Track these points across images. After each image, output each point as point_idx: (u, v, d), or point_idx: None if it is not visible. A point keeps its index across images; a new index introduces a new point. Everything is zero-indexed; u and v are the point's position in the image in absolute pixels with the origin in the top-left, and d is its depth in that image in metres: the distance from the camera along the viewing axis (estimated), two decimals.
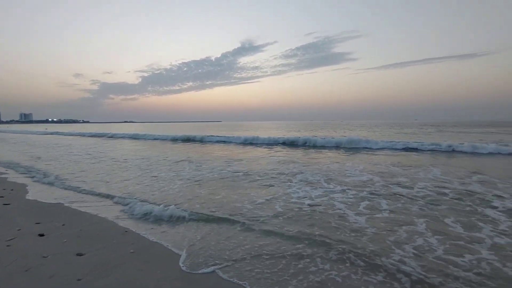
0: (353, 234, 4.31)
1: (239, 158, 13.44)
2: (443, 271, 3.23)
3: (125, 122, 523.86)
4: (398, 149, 15.71)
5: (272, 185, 7.52)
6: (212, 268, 3.38)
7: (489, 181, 7.62)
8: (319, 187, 7.25)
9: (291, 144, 19.60)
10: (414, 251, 3.71)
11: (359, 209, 5.51)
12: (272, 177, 8.52)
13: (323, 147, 17.86)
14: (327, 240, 4.09)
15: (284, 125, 75.46)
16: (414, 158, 12.43)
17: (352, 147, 17.02)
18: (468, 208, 5.44)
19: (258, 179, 8.29)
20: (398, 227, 4.55)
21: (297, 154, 14.80)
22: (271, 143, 20.47)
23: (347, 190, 6.90)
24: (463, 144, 14.78)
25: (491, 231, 4.35)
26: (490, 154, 13.27)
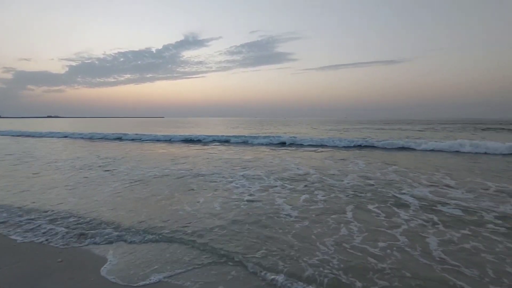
0: (280, 231, 4.44)
1: (181, 156, 12.87)
2: (363, 264, 3.53)
3: (49, 117, 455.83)
4: (328, 145, 16.85)
5: (215, 181, 7.37)
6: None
7: (402, 171, 8.76)
8: (261, 182, 7.36)
9: (235, 141, 19.53)
10: (335, 247, 3.88)
11: (296, 202, 5.74)
12: (213, 174, 8.35)
13: (269, 144, 18.25)
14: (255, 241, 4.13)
15: (229, 122, 75.09)
16: (342, 153, 13.58)
17: (293, 143, 17.82)
18: (388, 195, 6.14)
19: (200, 177, 8.03)
20: (328, 217, 4.88)
21: (240, 151, 14.84)
22: (215, 141, 20.09)
23: (285, 184, 7.16)
24: (380, 140, 16.65)
25: (406, 215, 4.96)
26: (400, 148, 15.17)
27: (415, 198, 5.88)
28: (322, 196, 6.11)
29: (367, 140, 17.16)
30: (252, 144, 18.07)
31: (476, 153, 12.89)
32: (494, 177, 7.91)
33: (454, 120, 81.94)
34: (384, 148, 15.20)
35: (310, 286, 2.92)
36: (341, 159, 11.41)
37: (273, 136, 19.73)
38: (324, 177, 7.94)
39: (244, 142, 19.04)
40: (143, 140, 21.45)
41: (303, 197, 6.08)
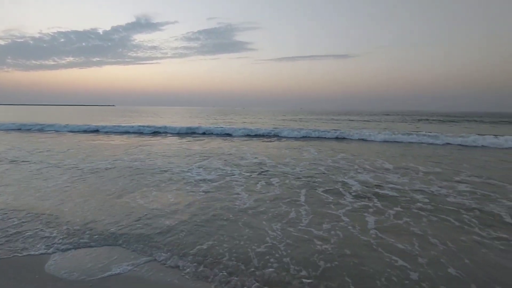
0: (233, 218, 4.53)
1: (136, 147, 12.15)
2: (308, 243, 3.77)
3: None
4: (283, 136, 17.30)
5: (168, 171, 7.13)
6: None
7: (349, 159, 9.46)
8: (217, 171, 7.32)
9: (193, 132, 18.87)
10: (284, 231, 4.15)
11: (254, 188, 5.86)
12: (169, 164, 8.07)
13: (226, 134, 18.04)
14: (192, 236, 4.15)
15: (187, 112, 72.39)
16: (296, 143, 14.15)
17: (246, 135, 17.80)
18: (337, 180, 6.59)
19: (156, 169, 7.69)
20: (281, 202, 5.09)
21: (198, 142, 14.51)
22: (173, 132, 19.12)
23: (243, 172, 7.25)
24: (329, 131, 17.67)
25: (350, 197, 5.40)
26: (345, 139, 16.32)
27: (358, 182, 6.41)
28: (277, 183, 6.33)
29: (319, 130, 17.98)
30: (211, 135, 17.77)
31: (409, 142, 14.43)
32: (424, 162, 8.99)
33: (397, 111, 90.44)
34: (336, 138, 16.14)
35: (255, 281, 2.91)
36: (295, 148, 11.89)
37: (231, 127, 19.54)
38: (279, 165, 8.20)
39: (204, 133, 18.59)
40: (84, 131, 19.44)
41: (260, 184, 6.23)
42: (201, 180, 6.54)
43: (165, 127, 19.91)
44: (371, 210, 4.78)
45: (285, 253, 3.40)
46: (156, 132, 19.07)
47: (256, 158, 9.41)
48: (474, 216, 4.54)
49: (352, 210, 4.75)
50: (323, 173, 7.26)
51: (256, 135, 17.42)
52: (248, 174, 7.13)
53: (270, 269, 3.06)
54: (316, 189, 5.86)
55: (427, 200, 5.29)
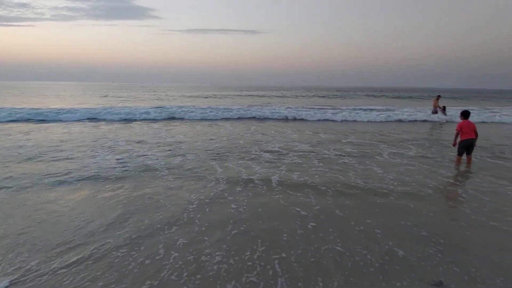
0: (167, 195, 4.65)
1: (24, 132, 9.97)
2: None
3: None
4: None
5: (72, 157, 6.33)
6: None
7: (266, 133, 10.40)
8: (131, 153, 6.95)
9: (92, 116, 14.08)
10: (198, 202, 4.55)
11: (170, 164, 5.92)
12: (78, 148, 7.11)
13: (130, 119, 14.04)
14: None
15: (80, 88, 60.61)
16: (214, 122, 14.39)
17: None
18: (251, 151, 7.29)
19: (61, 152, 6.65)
20: (195, 174, 5.41)
21: (101, 125, 12.93)
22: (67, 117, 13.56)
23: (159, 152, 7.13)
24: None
25: (263, 164, 6.14)
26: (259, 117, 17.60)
27: (269, 152, 7.24)
28: (192, 158, 6.56)
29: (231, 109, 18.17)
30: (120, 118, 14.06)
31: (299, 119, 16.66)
32: (322, 131, 10.74)
33: (304, 87, 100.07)
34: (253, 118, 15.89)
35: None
36: (212, 125, 12.17)
37: (151, 108, 16.43)
38: (196, 142, 8.38)
39: (107, 114, 14.21)
40: None
41: (177, 160, 6.34)
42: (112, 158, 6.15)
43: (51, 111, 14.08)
44: (277, 172, 5.61)
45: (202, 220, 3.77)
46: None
47: (173, 137, 9.23)
48: (355, 167, 5.95)
49: (260, 175, 5.45)
50: (240, 146, 7.87)
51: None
52: (166, 153, 7.05)
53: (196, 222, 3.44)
54: (229, 163, 6.34)
55: (321, 158, 6.65)
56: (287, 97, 36.28)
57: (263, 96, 37.25)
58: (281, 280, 2.54)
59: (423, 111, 17.58)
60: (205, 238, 3.22)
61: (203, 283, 2.50)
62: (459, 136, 6.20)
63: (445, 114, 15.82)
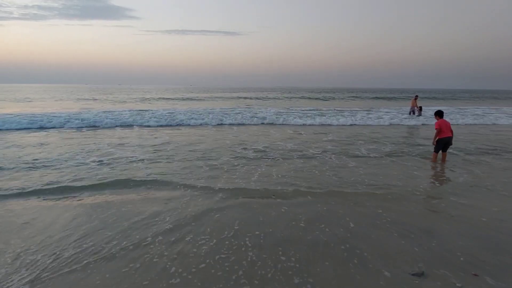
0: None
1: None
2: None
3: None
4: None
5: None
6: None
7: (253, 134, 10.34)
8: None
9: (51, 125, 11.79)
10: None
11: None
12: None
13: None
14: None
15: (51, 90, 57.32)
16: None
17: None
18: (237, 150, 7.26)
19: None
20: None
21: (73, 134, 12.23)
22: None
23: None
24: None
25: (251, 160, 6.14)
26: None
27: (254, 151, 7.28)
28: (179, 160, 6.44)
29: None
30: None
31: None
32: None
33: (287, 88, 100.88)
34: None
35: None
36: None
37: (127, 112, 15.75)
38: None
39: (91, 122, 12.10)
40: None
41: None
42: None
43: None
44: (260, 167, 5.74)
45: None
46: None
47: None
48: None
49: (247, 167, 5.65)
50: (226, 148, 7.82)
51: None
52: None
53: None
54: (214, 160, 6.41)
55: (301, 154, 6.87)
56: (250, 98, 36.00)
57: (252, 97, 37.00)
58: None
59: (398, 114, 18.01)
60: None
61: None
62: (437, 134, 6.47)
63: (420, 114, 16.53)
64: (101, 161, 6.19)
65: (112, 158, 6.40)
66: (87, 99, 29.97)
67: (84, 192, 4.47)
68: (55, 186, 4.69)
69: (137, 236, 3.15)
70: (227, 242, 3.06)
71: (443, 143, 6.44)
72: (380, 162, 6.50)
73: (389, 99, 39.02)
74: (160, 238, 3.13)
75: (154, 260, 2.74)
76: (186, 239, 3.12)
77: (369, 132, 10.80)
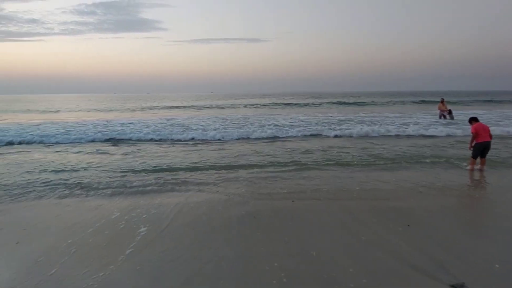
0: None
1: None
2: None
3: None
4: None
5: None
6: None
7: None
8: None
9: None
10: None
11: None
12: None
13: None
14: None
15: (87, 100, 59.92)
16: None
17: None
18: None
19: None
20: None
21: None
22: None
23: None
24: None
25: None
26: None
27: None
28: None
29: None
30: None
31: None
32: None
33: (309, 93, 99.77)
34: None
35: None
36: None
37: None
38: None
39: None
40: None
41: None
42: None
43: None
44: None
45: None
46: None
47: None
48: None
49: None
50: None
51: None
52: None
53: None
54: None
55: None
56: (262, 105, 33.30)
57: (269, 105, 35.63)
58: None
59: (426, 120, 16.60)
60: None
61: None
62: (474, 139, 6.14)
63: (452, 117, 15.36)
64: None
65: None
66: (173, 106, 31.71)
67: None
68: None
69: None
70: None
71: (481, 148, 6.09)
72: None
73: (421, 103, 35.17)
74: None
75: None
76: None
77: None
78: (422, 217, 3.86)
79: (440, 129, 11.43)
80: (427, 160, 6.88)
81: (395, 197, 4.60)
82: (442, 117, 15.79)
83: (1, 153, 8.24)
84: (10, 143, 9.86)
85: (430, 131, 11.19)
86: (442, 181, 5.38)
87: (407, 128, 11.89)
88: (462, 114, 16.63)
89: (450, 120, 15.18)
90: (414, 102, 36.67)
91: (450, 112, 15.69)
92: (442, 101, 16.19)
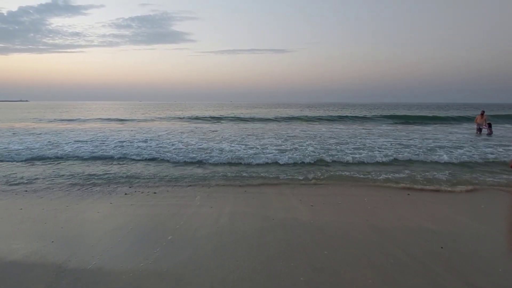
0: None
1: None
2: None
3: None
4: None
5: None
6: None
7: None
8: None
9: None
10: None
11: None
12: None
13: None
14: None
15: (120, 107, 63.93)
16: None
17: None
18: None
19: None
20: None
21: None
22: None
23: None
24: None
25: None
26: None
27: None
28: None
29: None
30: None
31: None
32: None
33: (329, 103, 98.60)
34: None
35: None
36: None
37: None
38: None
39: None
40: None
41: None
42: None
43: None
44: None
45: None
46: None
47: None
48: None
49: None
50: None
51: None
52: None
53: None
54: None
55: None
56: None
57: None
58: None
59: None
60: None
61: None
62: None
63: (491, 131, 14.21)
64: None
65: None
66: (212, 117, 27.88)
67: None
68: None
69: None
70: None
71: None
72: None
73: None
74: None
75: None
76: None
77: None
78: (458, 239, 3.59)
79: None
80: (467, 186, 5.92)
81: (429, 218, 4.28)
82: (479, 132, 14.77)
83: None
84: None
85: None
86: (483, 203, 4.96)
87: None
88: (502, 128, 15.50)
89: (487, 137, 14.13)
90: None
91: (489, 125, 14.46)
92: (482, 114, 14.98)
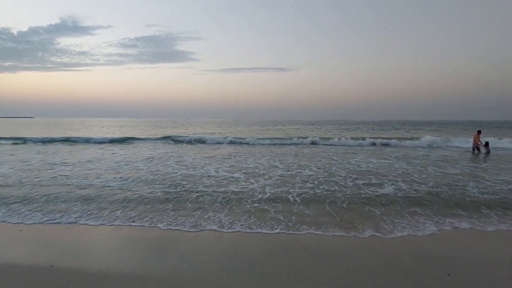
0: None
1: None
2: None
3: None
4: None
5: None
6: None
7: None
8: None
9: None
10: None
11: None
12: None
13: None
14: None
15: (123, 123, 64.68)
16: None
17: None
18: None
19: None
20: None
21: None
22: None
23: None
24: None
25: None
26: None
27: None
28: None
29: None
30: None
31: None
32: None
33: (327, 120, 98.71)
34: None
35: None
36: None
37: None
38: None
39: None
40: None
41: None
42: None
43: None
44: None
45: None
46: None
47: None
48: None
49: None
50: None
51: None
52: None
53: None
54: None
55: None
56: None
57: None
58: None
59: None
60: None
61: None
62: None
63: (488, 151, 14.15)
64: None
65: None
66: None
67: None
68: None
69: None
70: None
71: None
72: None
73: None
74: None
75: None
76: None
77: None
78: (465, 265, 3.55)
79: None
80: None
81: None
82: (476, 150, 14.63)
83: None
84: None
85: None
86: (492, 225, 4.93)
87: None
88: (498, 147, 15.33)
89: (485, 153, 14.16)
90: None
91: (486, 144, 14.36)
92: (478, 133, 14.88)
